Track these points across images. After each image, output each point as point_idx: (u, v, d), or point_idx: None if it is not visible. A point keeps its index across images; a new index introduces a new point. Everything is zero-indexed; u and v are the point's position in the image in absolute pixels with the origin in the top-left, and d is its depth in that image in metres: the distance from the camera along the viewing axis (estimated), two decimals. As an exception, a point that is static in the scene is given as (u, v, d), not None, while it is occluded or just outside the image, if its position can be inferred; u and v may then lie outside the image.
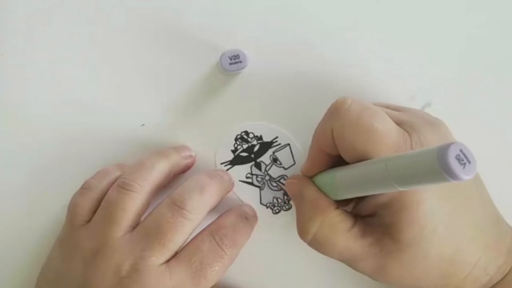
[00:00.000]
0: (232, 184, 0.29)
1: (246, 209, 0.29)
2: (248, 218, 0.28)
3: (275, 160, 0.30)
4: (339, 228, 0.24)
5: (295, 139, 0.30)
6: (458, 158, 0.16)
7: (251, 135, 0.30)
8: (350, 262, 0.24)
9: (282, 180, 0.30)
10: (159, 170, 0.27)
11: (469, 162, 0.16)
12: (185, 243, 0.26)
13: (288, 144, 0.30)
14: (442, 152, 0.16)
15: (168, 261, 0.25)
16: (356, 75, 0.31)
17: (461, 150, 0.16)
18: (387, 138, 0.22)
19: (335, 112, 0.23)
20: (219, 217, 0.27)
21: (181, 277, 0.24)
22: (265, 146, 0.30)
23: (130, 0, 0.31)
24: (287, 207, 0.30)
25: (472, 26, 0.33)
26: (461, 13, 0.33)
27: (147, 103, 0.31)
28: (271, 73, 0.31)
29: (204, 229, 0.27)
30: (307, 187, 0.25)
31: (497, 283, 0.25)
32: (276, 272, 0.30)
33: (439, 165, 0.16)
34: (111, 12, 0.31)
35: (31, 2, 0.31)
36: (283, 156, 0.30)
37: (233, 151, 0.30)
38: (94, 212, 0.26)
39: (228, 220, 0.27)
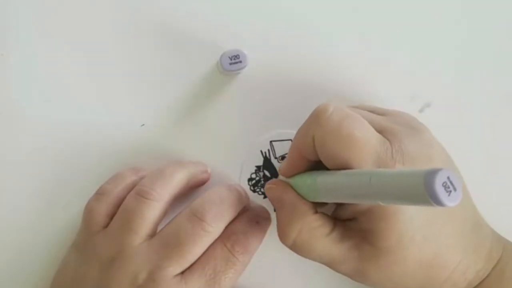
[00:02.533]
0: (248, 198, 0.29)
1: (258, 212, 0.28)
2: (259, 222, 0.28)
3: None
4: (318, 232, 0.24)
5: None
6: (445, 186, 0.16)
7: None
8: (330, 264, 0.25)
9: None
10: (178, 180, 0.27)
11: (455, 189, 0.16)
12: None
13: None
14: (429, 179, 0.16)
15: (183, 271, 0.25)
16: (356, 76, 0.31)
17: (448, 177, 0.16)
18: (367, 147, 0.22)
19: (316, 120, 0.23)
20: (230, 223, 0.27)
21: (195, 286, 0.24)
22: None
23: (130, 0, 0.31)
24: None
25: (472, 26, 0.33)
26: (461, 13, 0.33)
27: (147, 103, 0.31)
28: (271, 73, 0.31)
29: None
30: (286, 192, 0.25)
31: (475, 287, 0.25)
32: (276, 272, 0.30)
33: (425, 190, 0.16)
34: (111, 12, 0.31)
35: (31, 2, 0.31)
36: None
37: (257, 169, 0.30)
38: (110, 217, 0.26)
39: (239, 226, 0.27)
